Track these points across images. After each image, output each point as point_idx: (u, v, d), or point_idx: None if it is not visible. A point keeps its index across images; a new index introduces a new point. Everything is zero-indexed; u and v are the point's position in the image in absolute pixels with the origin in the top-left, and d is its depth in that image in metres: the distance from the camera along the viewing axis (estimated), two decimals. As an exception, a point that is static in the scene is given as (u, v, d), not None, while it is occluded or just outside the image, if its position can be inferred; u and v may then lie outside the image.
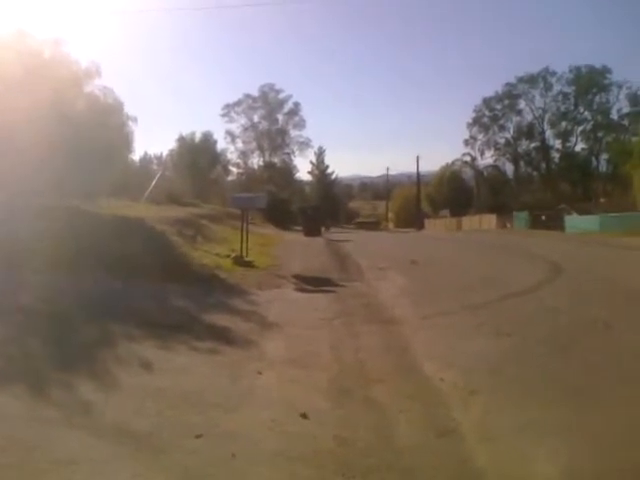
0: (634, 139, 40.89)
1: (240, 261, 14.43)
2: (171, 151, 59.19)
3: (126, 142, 17.90)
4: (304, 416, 4.60)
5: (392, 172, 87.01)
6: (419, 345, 7.02)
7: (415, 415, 4.72)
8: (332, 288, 11.57)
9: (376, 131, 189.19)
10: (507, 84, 65.75)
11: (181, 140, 55.88)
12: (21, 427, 4.22)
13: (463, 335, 7.54)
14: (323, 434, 4.30)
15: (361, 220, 76.79)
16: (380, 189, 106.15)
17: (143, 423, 4.40)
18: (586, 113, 64.32)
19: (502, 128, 67.39)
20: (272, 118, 76.12)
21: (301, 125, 76.53)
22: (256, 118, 76.05)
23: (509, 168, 69.00)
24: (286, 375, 5.80)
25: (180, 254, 13.82)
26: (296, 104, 75.85)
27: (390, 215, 78.67)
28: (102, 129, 15.12)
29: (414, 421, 4.60)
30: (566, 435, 4.22)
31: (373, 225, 68.67)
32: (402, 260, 16.62)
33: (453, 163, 71.79)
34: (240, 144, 75.54)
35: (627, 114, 61.68)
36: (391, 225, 73.94)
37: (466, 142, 68.79)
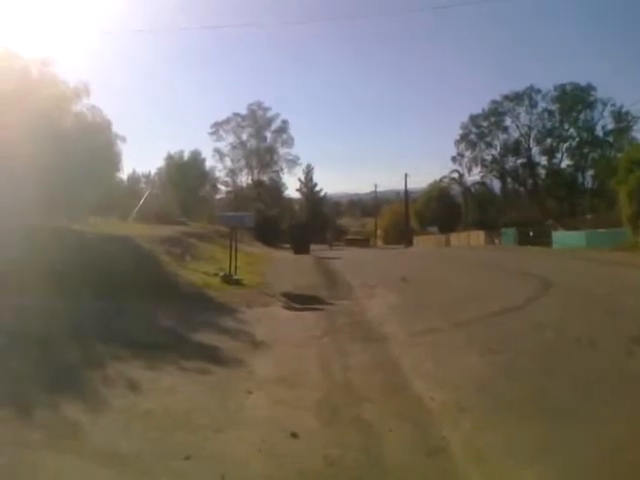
0: (619, 155, 41.34)
1: (229, 279, 14.40)
2: (159, 169, 59.11)
3: (114, 161, 17.87)
4: (294, 436, 4.57)
5: (380, 189, 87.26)
6: (409, 363, 7.00)
7: (405, 434, 4.70)
8: (321, 306, 11.55)
9: (364, 148, 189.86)
10: (493, 102, 66.56)
11: (169, 158, 55.78)
12: (6, 451, 4.17)
13: (452, 352, 7.53)
14: (313, 454, 4.27)
15: (350, 237, 76.86)
16: (369, 206, 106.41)
17: (130, 445, 4.36)
18: (571, 130, 65.11)
19: (489, 145, 67.98)
20: (260, 136, 76.52)
21: (289, 143, 77.02)
22: (244, 136, 76.56)
23: (496, 185, 69.62)
24: (275, 394, 5.76)
25: (168, 273, 13.76)
26: (284, 122, 76.37)
27: (379, 232, 78.82)
28: (90, 148, 15.09)
29: (404, 440, 4.57)
30: (554, 454, 4.22)
31: (362, 242, 68.70)
32: (391, 277, 16.63)
33: (441, 180, 72.28)
34: (229, 162, 75.99)
35: (612, 131, 62.53)
36: (380, 242, 74.07)
37: (454, 159, 69.32)
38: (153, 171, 61.33)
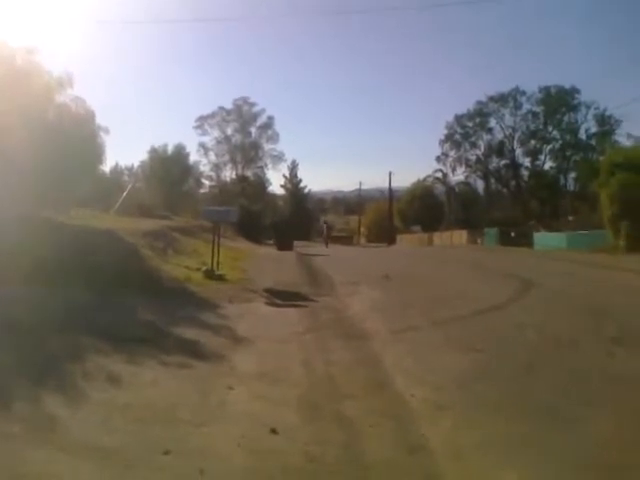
0: (601, 159, 41.80)
1: (211, 275, 14.33)
2: (142, 163, 58.73)
3: (97, 153, 17.68)
4: (274, 432, 4.58)
5: (365, 187, 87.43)
6: (390, 360, 7.04)
7: (385, 431, 4.73)
8: (304, 302, 11.55)
9: (349, 146, 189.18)
10: (478, 102, 67.08)
11: (153, 152, 55.34)
12: (-17, 443, 4.13)
13: (434, 350, 7.59)
14: (293, 450, 4.29)
15: (334, 234, 76.88)
16: (353, 204, 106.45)
17: (110, 438, 4.34)
18: (555, 132, 65.88)
19: (473, 145, 68.55)
20: (245, 131, 76.49)
21: (274, 139, 77.03)
22: (229, 131, 76.49)
23: (480, 185, 70.24)
24: (257, 390, 5.77)
25: (150, 267, 13.67)
26: (270, 118, 76.39)
27: (362, 230, 78.93)
28: (73, 140, 14.93)
29: (384, 437, 4.61)
30: (533, 453, 4.27)
31: (345, 239, 68.81)
32: (374, 275, 16.67)
33: (425, 179, 72.66)
34: (213, 157, 75.92)
35: (595, 134, 63.30)
36: (363, 240, 74.18)
37: (438, 159, 69.90)
38: (136, 164, 61.01)
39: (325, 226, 50.08)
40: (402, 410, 5.25)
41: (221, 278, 14.28)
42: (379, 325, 9.27)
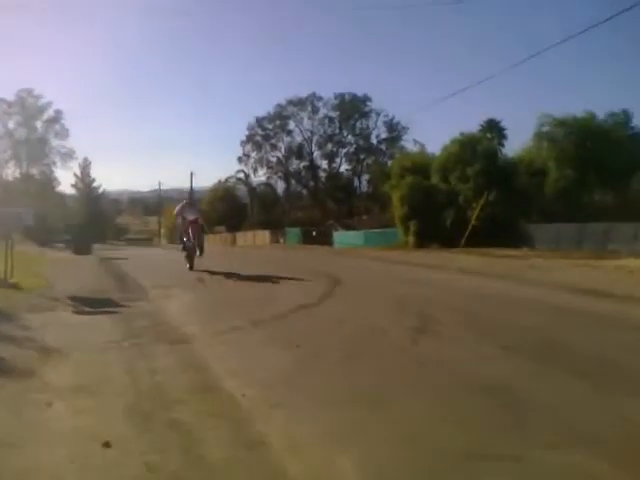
0: (390, 163, 45.70)
1: (4, 283, 13.11)
2: None
3: None
4: (107, 445, 4.35)
5: (164, 187, 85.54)
6: (215, 362, 7.03)
7: (222, 432, 4.74)
8: (115, 309, 11.00)
9: (147, 145, 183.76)
10: (278, 105, 69.28)
11: None
12: None
13: (257, 350, 7.74)
14: (131, 462, 4.12)
15: (132, 237, 74.17)
16: (151, 204, 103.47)
17: None
18: (349, 137, 70.46)
19: (274, 147, 70.74)
20: (30, 126, 70.57)
21: (63, 134, 72.30)
22: (11, 125, 70.10)
23: (281, 186, 72.59)
24: (79, 404, 5.41)
25: None
26: (57, 112, 71.57)
27: (163, 231, 77.06)
28: None
29: (222, 438, 4.62)
30: (363, 438, 4.58)
31: (145, 241, 66.78)
32: (184, 277, 16.47)
33: (227, 180, 73.15)
34: (-8, 153, 68.80)
35: (385, 139, 68.92)
36: (164, 241, 72.47)
37: (240, 159, 70.90)
38: None
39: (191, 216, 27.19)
40: (235, 410, 5.29)
41: (16, 286, 13.13)
42: (199, 328, 9.20)
